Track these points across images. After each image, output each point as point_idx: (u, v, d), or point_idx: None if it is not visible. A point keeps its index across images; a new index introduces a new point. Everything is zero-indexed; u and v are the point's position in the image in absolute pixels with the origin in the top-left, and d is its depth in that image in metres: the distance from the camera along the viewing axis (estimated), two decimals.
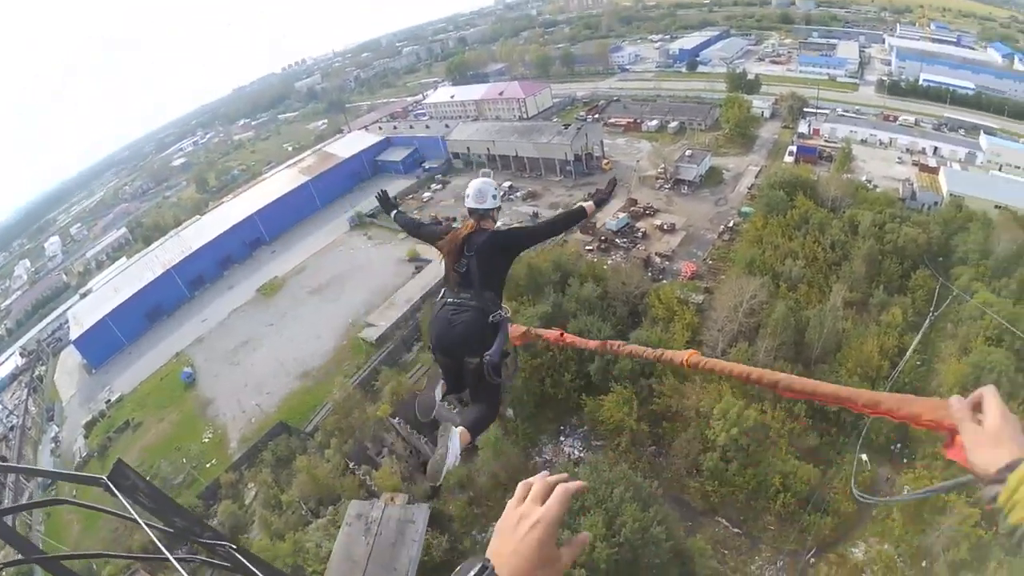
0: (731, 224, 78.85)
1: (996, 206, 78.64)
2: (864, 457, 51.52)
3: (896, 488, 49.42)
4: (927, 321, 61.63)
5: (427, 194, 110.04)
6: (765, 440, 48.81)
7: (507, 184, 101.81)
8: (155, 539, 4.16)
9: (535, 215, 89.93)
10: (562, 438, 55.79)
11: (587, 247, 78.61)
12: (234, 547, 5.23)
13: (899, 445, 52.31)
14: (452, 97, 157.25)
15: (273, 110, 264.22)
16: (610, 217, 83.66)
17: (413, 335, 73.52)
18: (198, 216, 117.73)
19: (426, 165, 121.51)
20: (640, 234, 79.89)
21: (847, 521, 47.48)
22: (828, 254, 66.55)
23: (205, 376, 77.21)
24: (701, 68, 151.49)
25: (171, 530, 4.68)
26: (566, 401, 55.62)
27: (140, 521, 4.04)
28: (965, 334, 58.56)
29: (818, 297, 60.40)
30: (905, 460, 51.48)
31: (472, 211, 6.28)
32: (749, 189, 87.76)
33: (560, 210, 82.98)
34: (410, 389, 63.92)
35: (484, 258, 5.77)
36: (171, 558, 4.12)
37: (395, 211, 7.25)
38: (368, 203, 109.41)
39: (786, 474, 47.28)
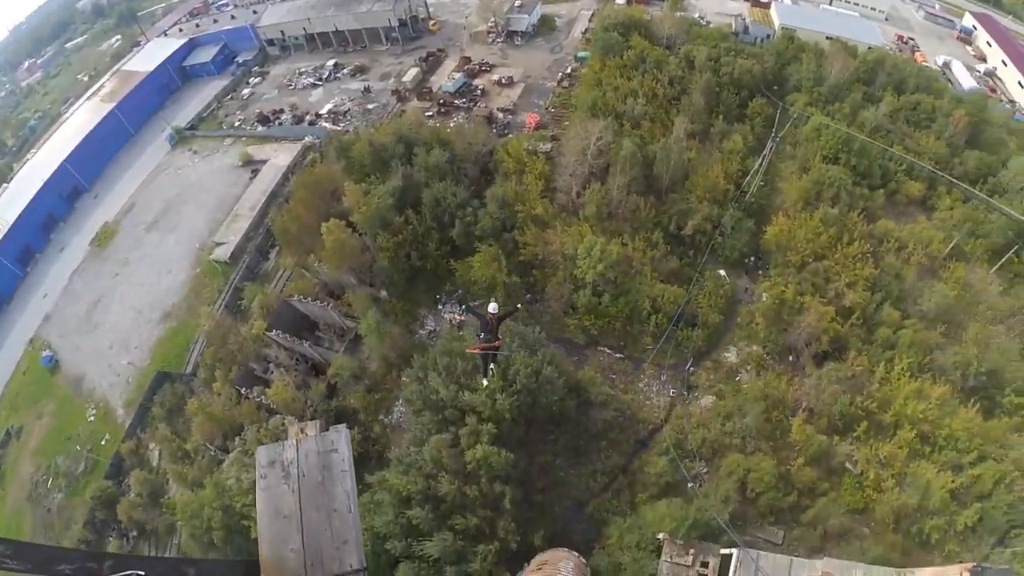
0: (569, 70, 78.65)
1: (827, 37, 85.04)
2: (722, 272, 57.70)
3: (757, 296, 56.39)
4: (769, 145, 66.41)
5: (246, 90, 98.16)
6: (630, 270, 52.60)
7: (331, 63, 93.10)
8: None
9: (367, 90, 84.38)
10: (440, 307, 56.42)
11: (427, 113, 75.44)
12: (141, 573, 5.14)
13: (752, 258, 58.94)
14: None
15: (58, 40, 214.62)
16: (446, 79, 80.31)
17: (267, 242, 68.62)
18: (4, 184, 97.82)
19: (239, 59, 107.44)
20: (479, 92, 77.70)
21: (716, 331, 53.60)
22: (667, 90, 68.76)
23: (66, 353, 68.77)
24: None
25: None
26: (436, 270, 55.74)
27: None
28: (804, 154, 65.06)
29: (662, 132, 62.89)
30: (760, 271, 58.35)
31: (492, 314, 20.72)
32: (583, 34, 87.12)
33: (395, 98, 79.13)
34: (278, 298, 61.00)
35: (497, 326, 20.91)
36: None
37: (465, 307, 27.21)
38: (184, 115, 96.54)
39: (654, 298, 51.77)
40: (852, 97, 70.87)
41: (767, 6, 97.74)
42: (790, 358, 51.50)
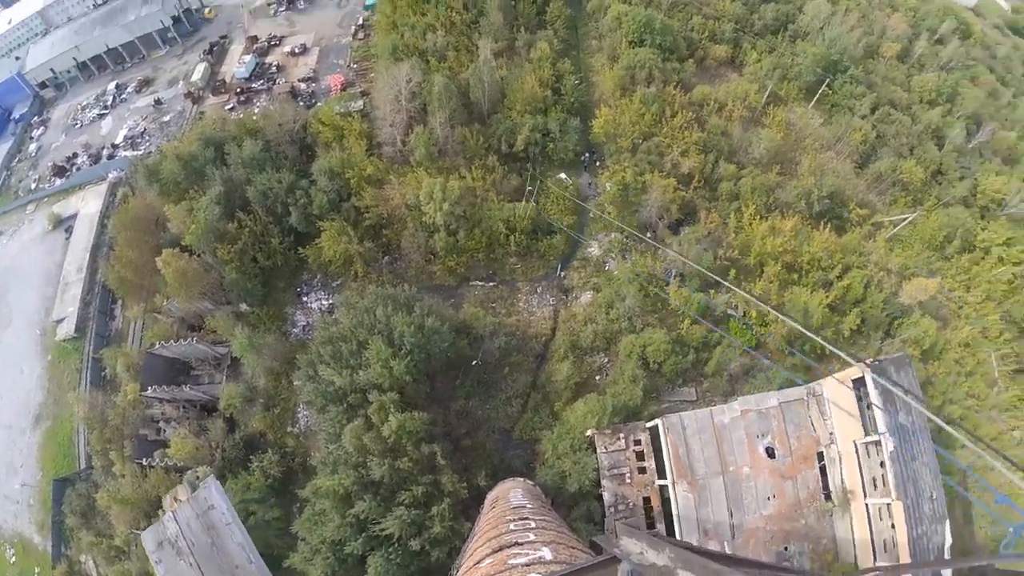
0: (361, 21, 75.33)
1: None
2: (563, 175, 58.73)
3: (601, 187, 57.72)
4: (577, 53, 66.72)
5: (32, 145, 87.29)
6: (476, 200, 52.37)
7: (113, 86, 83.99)
8: None
9: (158, 102, 77.18)
10: (303, 298, 54.43)
11: (227, 107, 70.40)
12: None
13: (587, 155, 60.14)
14: (10, 23, 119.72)
15: None
16: (237, 65, 74.73)
17: (107, 299, 62.87)
18: None
19: (15, 115, 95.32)
20: (275, 69, 73.28)
21: (573, 232, 54.71)
22: (464, 16, 67.10)
23: None
24: None
25: None
26: (287, 264, 53.43)
27: None
28: (611, 44, 66.18)
29: (469, 58, 61.75)
30: (598, 164, 59.64)
31: None
32: None
33: (190, 101, 72.17)
34: (140, 353, 56.57)
35: None
36: None
37: None
38: None
39: (506, 219, 51.98)
40: None
41: None
42: (648, 235, 53.86)
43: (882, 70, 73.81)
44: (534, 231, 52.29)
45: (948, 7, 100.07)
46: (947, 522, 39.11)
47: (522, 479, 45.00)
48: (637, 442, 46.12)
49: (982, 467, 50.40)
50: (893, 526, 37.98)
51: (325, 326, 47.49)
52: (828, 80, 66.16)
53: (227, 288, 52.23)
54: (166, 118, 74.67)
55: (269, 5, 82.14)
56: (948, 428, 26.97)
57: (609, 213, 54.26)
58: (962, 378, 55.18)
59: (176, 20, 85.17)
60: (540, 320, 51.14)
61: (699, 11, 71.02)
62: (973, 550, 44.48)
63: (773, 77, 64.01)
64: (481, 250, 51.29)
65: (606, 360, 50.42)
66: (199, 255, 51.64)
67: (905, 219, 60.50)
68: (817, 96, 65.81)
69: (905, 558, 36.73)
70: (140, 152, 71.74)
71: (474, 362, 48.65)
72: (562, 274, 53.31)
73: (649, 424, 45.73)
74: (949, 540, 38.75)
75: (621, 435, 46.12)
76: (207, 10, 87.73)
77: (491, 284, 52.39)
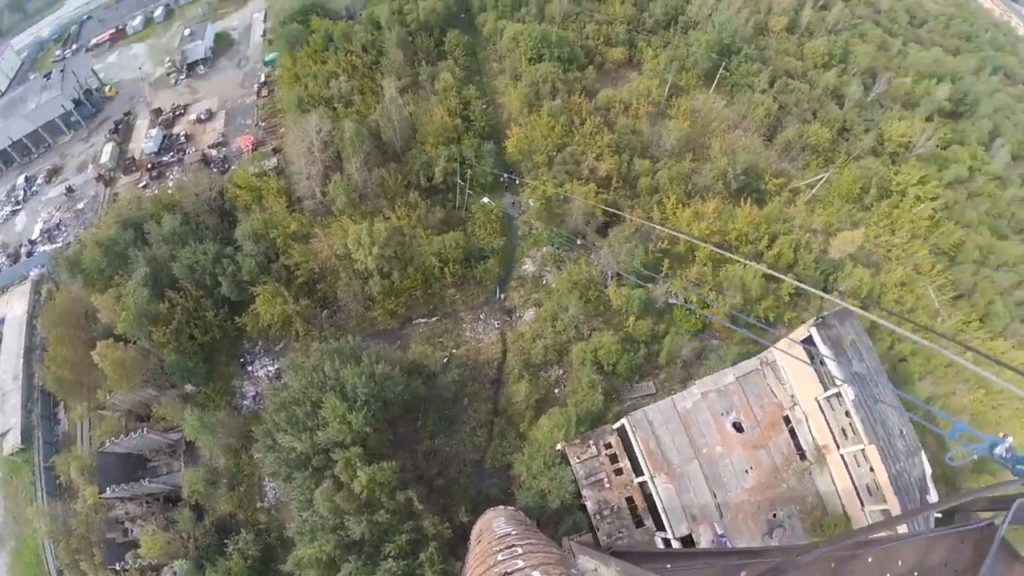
0: (263, 78, 74.86)
1: None
2: (486, 200, 59.01)
3: (525, 205, 58.46)
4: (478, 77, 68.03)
5: None
6: (404, 239, 52.48)
7: (22, 179, 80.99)
8: None
9: (70, 190, 74.79)
10: (248, 368, 53.47)
11: (140, 184, 68.74)
12: None
13: (505, 175, 60.77)
14: None
15: None
16: (144, 140, 73.13)
17: (48, 404, 60.58)
18: None
19: None
20: (183, 139, 71.91)
21: (506, 252, 55.66)
22: (364, 58, 67.68)
23: None
24: None
25: None
26: (226, 335, 52.55)
27: None
28: (511, 64, 67.66)
29: (375, 100, 62.15)
30: (518, 183, 60.21)
31: None
32: (263, 36, 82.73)
33: (102, 184, 70.26)
34: (91, 454, 54.62)
35: None
36: None
37: None
38: None
39: (437, 252, 52.19)
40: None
41: None
42: (579, 242, 55.06)
43: (774, 44, 77.11)
44: (467, 259, 52.67)
45: None
46: (922, 452, 40.83)
47: (503, 507, 44.79)
48: (608, 446, 46.75)
49: (943, 395, 52.92)
50: (872, 469, 39.39)
51: (275, 392, 46.73)
52: (724, 63, 68.75)
53: (169, 371, 50.94)
54: (80, 205, 72.41)
55: (169, 75, 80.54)
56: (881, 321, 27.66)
57: (537, 228, 55.16)
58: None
59: (77, 103, 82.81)
60: (489, 345, 51.46)
61: (591, 18, 73.28)
62: (953, 473, 45.94)
63: (672, 70, 66.21)
64: (418, 287, 51.45)
65: (561, 372, 51.05)
66: (135, 342, 50.19)
67: (820, 179, 63.18)
68: (716, 80, 68.31)
69: (890, 496, 38.02)
70: (59, 244, 69.32)
71: (432, 400, 48.52)
72: (502, 296, 53.84)
73: (616, 425, 46.42)
74: (928, 469, 40.43)
75: (591, 442, 46.70)
76: (107, 88, 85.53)
77: (434, 319, 52.50)
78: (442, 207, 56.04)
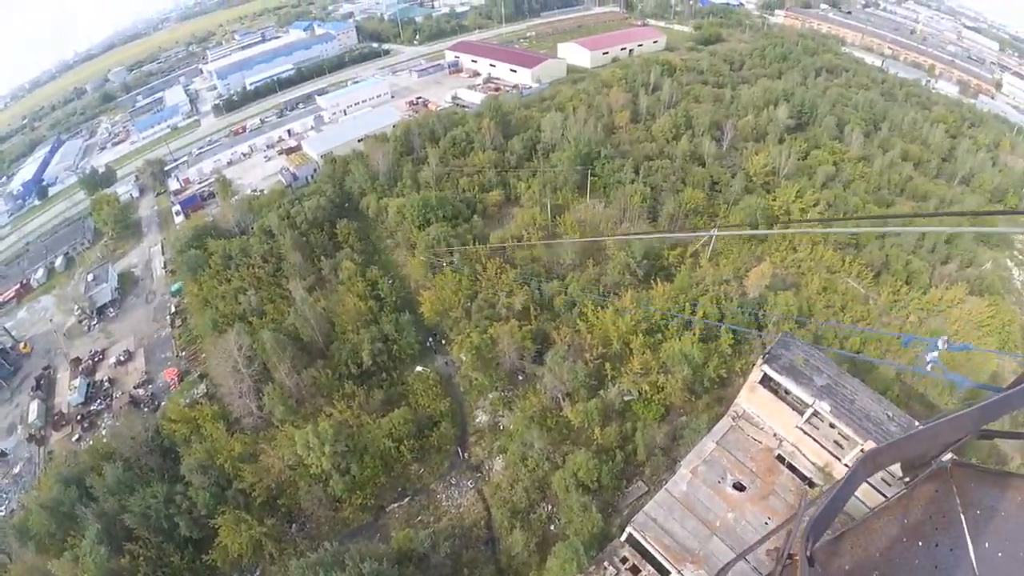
0: (173, 308, 75.11)
1: (359, 140, 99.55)
2: (419, 368, 59.30)
3: (459, 361, 59.27)
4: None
5: None
6: (352, 430, 51.91)
7: None
8: None
9: (2, 454, 68.24)
10: None
11: (74, 438, 64.42)
12: None
13: (431, 339, 62.39)
14: None
15: None
16: (68, 392, 70.20)
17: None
18: None
19: None
20: (108, 384, 69.74)
21: (455, 412, 55.65)
22: (266, 267, 70.58)
23: None
24: (54, 189, 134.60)
25: None
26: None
27: None
28: (403, 236, 72.44)
29: (287, 304, 64.08)
30: (444, 342, 61.85)
31: None
32: (165, 268, 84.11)
33: (35, 444, 66.24)
34: None
35: None
36: None
37: None
38: None
39: (388, 433, 51.45)
40: (404, 170, 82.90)
41: (299, 148, 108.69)
42: (519, 377, 56.70)
43: (626, 137, 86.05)
44: (419, 431, 52.63)
45: (648, 61, 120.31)
46: (916, 424, 41.49)
47: None
48: (624, 560, 45.03)
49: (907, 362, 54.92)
50: None
51: None
52: (589, 170, 75.63)
53: None
54: (16, 469, 67.19)
55: (81, 322, 79.28)
56: None
57: (476, 380, 56.24)
58: (840, 315, 61.96)
59: None
60: (469, 508, 50.11)
61: (461, 173, 79.93)
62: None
63: (546, 193, 72.26)
64: (380, 473, 50.33)
65: (550, 507, 49.92)
66: None
67: (711, 235, 68.45)
68: (589, 187, 74.83)
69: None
70: (2, 513, 64.04)
71: None
72: (465, 455, 53.44)
73: (624, 537, 45.05)
74: None
75: (605, 563, 44.83)
76: (22, 345, 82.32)
77: (406, 500, 50.88)
78: (379, 388, 56.24)
